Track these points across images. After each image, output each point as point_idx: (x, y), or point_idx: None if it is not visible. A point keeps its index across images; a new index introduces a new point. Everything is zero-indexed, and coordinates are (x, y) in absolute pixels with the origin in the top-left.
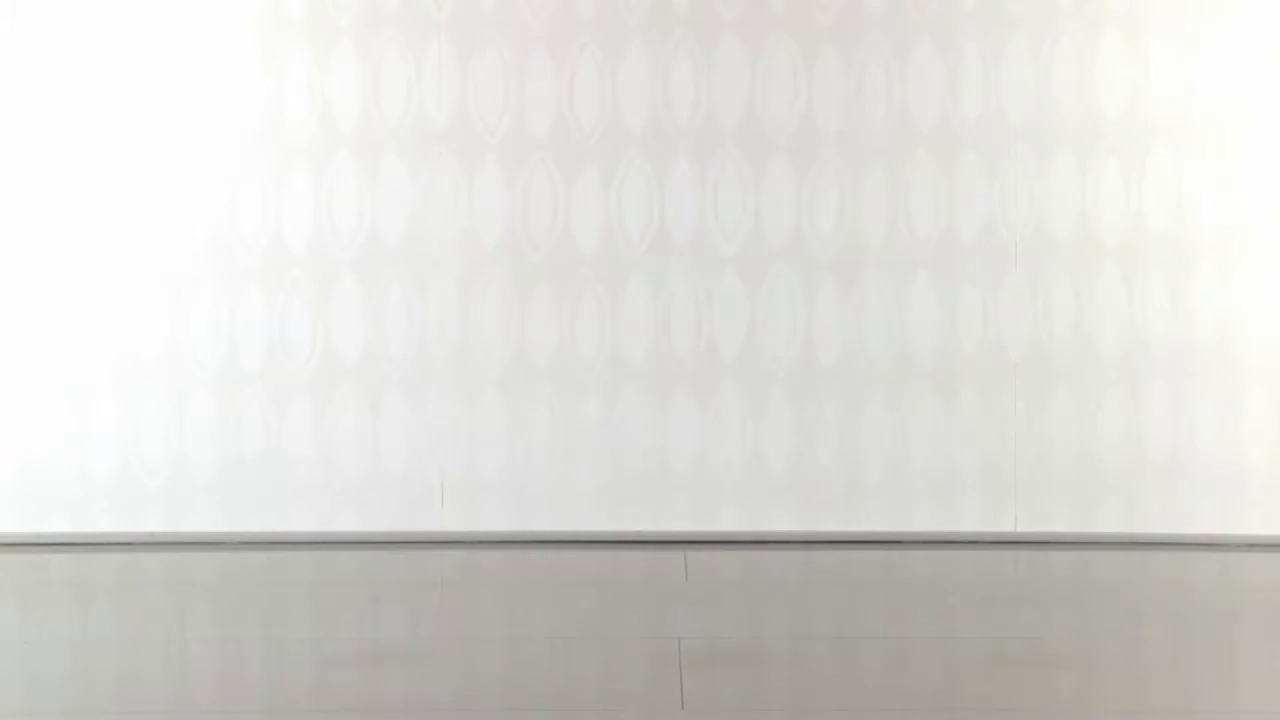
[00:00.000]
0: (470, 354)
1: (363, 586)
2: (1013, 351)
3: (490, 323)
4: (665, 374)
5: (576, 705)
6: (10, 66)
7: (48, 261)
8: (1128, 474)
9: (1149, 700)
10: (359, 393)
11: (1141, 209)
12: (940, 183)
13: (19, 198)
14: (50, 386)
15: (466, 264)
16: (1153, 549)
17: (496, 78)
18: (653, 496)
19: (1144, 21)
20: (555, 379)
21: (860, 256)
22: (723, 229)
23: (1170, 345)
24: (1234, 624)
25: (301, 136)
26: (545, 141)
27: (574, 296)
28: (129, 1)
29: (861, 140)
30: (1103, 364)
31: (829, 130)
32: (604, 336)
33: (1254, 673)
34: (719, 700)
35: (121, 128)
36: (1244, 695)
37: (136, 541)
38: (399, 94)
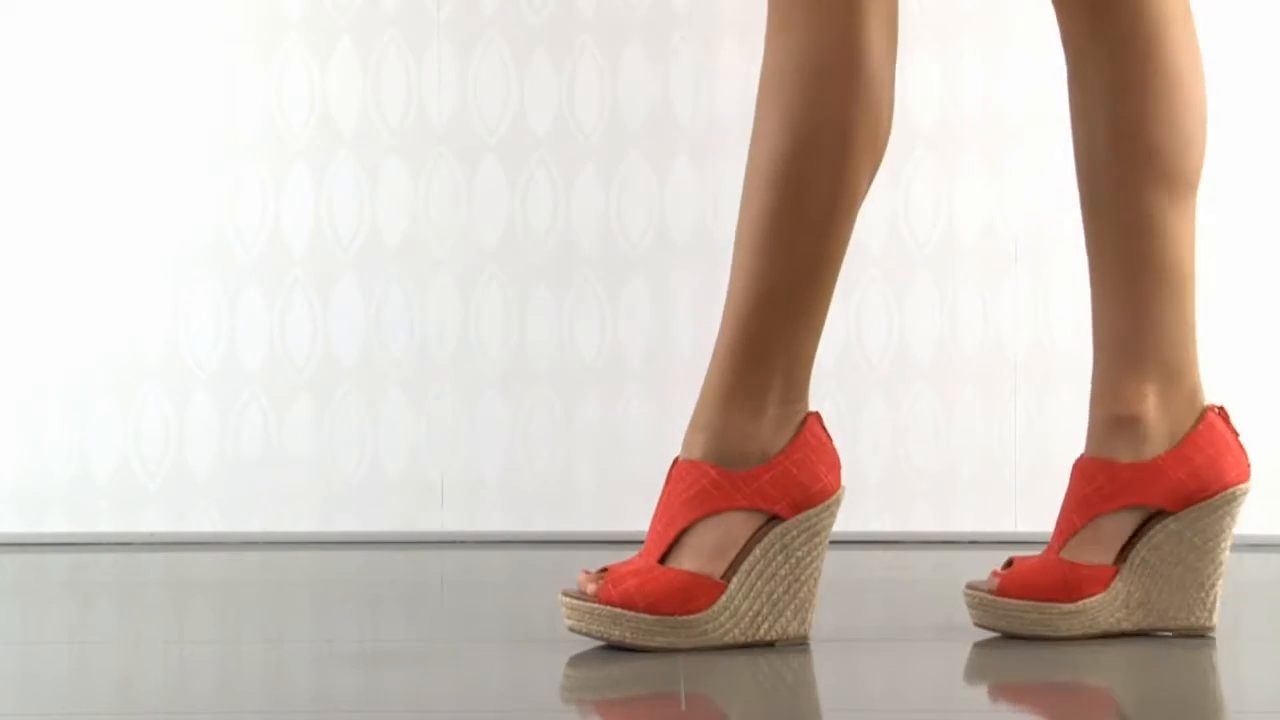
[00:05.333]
0: (470, 354)
1: (363, 587)
2: (1012, 351)
3: (490, 323)
4: (665, 374)
5: (576, 705)
6: (8, 64)
7: (47, 260)
8: None
9: (1149, 700)
10: (359, 393)
11: None
12: (940, 183)
13: (18, 197)
14: (50, 386)
15: (466, 264)
16: None
17: (496, 78)
18: (653, 496)
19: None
20: (555, 379)
21: (860, 256)
22: (723, 229)
23: None
24: (1233, 624)
25: (301, 136)
26: (545, 141)
27: (574, 296)
28: (129, 1)
29: None
30: None
31: None
32: (604, 336)
33: (1254, 673)
34: (719, 700)
35: (121, 128)
36: (1244, 695)
37: (136, 541)
38: (399, 94)
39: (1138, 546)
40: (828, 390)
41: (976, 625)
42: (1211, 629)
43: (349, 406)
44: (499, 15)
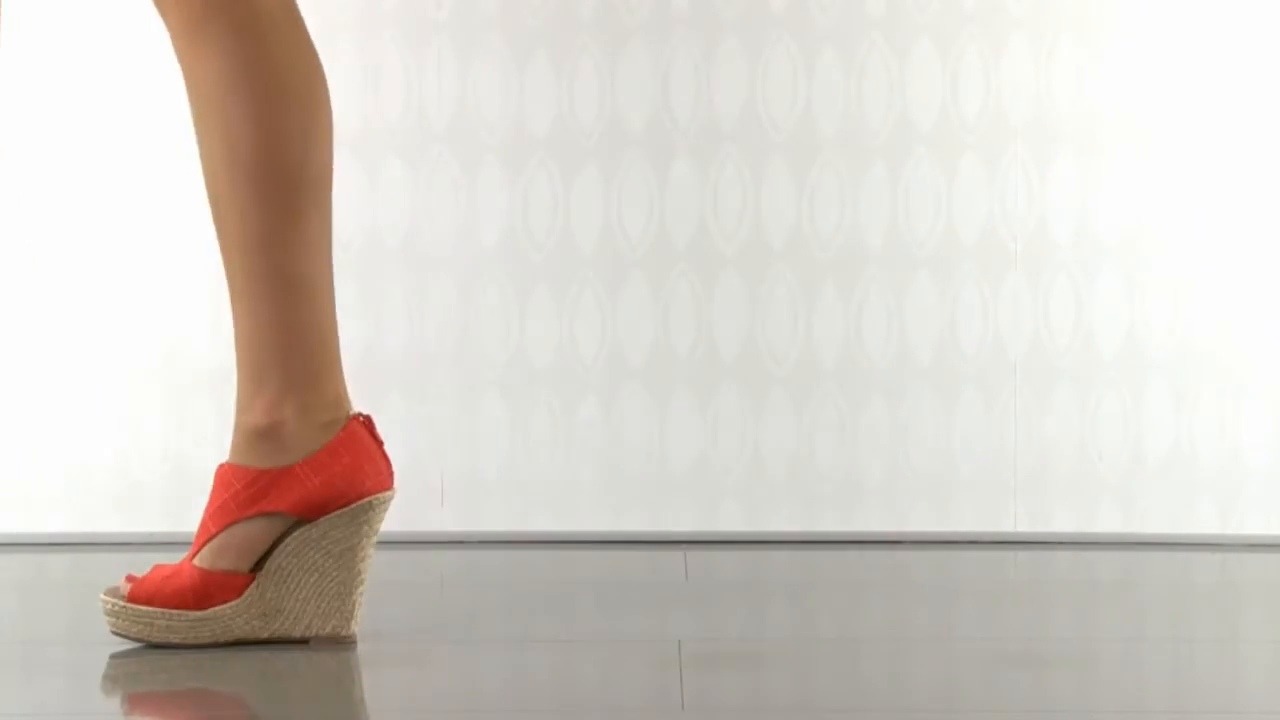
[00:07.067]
0: (470, 354)
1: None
2: (1013, 351)
3: (490, 323)
4: (665, 374)
5: (577, 706)
6: (10, 63)
7: (47, 261)
8: (1128, 474)
9: (1149, 700)
10: (359, 393)
11: (1142, 209)
12: (940, 183)
13: (16, 198)
14: (50, 386)
15: (466, 264)
16: (1153, 549)
17: (496, 78)
18: (653, 496)
19: (1148, 22)
20: (555, 379)
21: (860, 256)
22: (723, 229)
23: (1170, 345)
24: (1234, 624)
25: None
26: (545, 141)
27: (574, 296)
28: (128, 2)
29: (861, 140)
30: (1103, 364)
31: (829, 130)
32: (604, 336)
33: (1254, 673)
34: (719, 701)
35: (121, 129)
36: (1244, 695)
37: (136, 541)
38: (399, 94)
39: (275, 554)
40: (828, 390)
41: (114, 633)
42: (350, 637)
43: None
44: (499, 15)
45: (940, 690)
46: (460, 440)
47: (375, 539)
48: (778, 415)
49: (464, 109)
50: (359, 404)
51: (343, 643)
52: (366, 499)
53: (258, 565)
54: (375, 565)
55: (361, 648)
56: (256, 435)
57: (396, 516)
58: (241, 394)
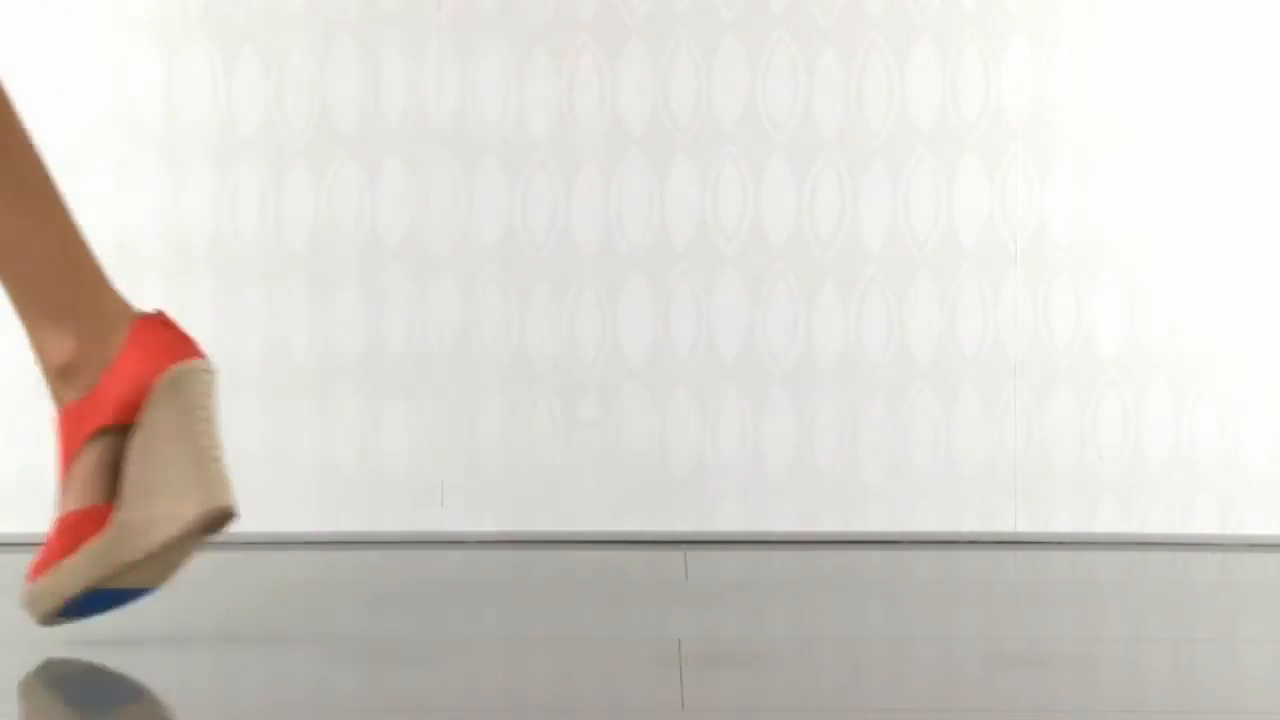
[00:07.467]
0: (470, 354)
1: (363, 587)
2: (1013, 351)
3: (490, 323)
4: (665, 374)
5: (577, 706)
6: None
7: None
8: (1128, 474)
9: (1149, 700)
10: (359, 393)
11: (1142, 209)
12: (940, 183)
13: None
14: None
15: (466, 264)
16: (1153, 549)
17: (496, 78)
18: (653, 496)
19: (1148, 22)
20: (555, 379)
21: (860, 256)
22: (723, 229)
23: (1170, 345)
24: (1233, 624)
25: (301, 136)
26: (545, 141)
27: (574, 296)
28: None
29: (861, 140)
30: (1103, 364)
31: (829, 130)
32: (604, 336)
33: (1254, 673)
34: (719, 701)
35: (121, 126)
36: (1244, 695)
37: None
38: (399, 94)
39: (124, 470)
40: (828, 390)
41: (43, 624)
42: (228, 509)
43: (349, 406)
44: (499, 15)
45: (940, 690)
46: (460, 440)
47: (209, 411)
48: (778, 415)
49: (464, 109)
50: (359, 404)
51: (227, 518)
52: (168, 373)
53: (115, 493)
54: (375, 565)
55: (361, 647)
56: (60, 375)
57: (396, 516)
58: (31, 344)
